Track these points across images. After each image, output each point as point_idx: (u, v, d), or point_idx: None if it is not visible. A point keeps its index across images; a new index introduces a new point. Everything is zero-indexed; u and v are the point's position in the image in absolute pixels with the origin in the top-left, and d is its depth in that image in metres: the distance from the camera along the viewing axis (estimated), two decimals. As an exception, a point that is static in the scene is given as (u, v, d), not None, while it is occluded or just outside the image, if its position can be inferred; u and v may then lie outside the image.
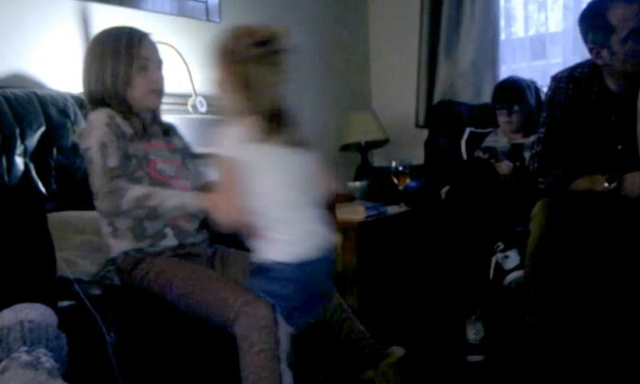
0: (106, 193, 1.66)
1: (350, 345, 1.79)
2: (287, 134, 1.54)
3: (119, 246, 1.77)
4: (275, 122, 1.52)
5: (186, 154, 1.94)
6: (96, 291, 1.64)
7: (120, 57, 1.77)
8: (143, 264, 1.73)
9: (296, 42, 1.57)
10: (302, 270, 1.52)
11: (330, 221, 1.64)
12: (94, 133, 1.72)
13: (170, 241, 1.77)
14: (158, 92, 1.84)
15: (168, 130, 1.92)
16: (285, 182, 1.54)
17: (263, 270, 1.55)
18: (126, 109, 1.78)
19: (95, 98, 1.80)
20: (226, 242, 1.92)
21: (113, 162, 1.69)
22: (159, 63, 1.86)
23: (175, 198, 1.66)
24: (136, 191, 1.65)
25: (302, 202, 1.55)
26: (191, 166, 1.91)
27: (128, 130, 1.76)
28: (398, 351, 1.78)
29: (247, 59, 1.49)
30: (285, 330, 1.56)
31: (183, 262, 1.74)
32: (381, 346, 1.79)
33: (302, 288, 1.54)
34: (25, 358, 1.06)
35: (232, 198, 1.53)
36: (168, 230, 1.77)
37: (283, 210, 1.53)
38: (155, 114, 1.89)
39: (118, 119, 1.75)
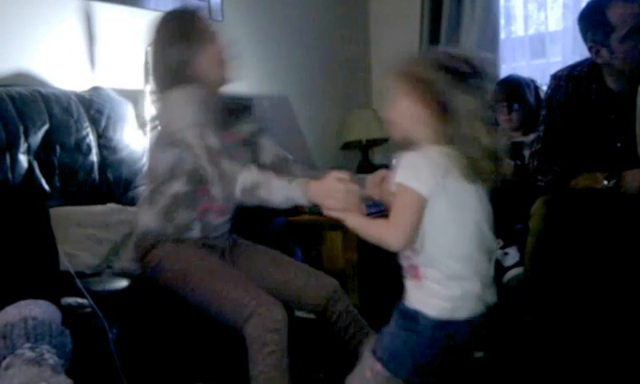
0: (218, 179, 1.60)
1: (355, 345, 1.77)
2: (489, 171, 1.33)
3: (147, 221, 1.76)
4: (483, 160, 1.31)
5: (259, 136, 1.90)
6: (99, 287, 1.66)
7: (186, 35, 1.74)
8: (160, 248, 1.72)
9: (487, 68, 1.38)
10: (446, 329, 1.33)
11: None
12: (184, 112, 1.66)
13: (195, 233, 1.77)
14: (227, 62, 1.79)
15: (236, 111, 1.86)
16: (466, 231, 1.34)
17: (406, 316, 1.36)
18: (199, 89, 1.71)
19: (164, 80, 1.76)
20: (245, 233, 1.92)
21: (215, 142, 1.61)
22: (219, 34, 1.81)
23: (283, 191, 1.55)
24: (246, 179, 1.56)
25: (474, 254, 1.35)
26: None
27: (213, 107, 1.71)
28: None
29: (445, 87, 1.30)
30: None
31: (201, 252, 1.73)
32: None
33: (437, 348, 1.35)
34: (29, 354, 1.06)
35: (336, 194, 1.44)
36: (196, 224, 1.76)
37: (454, 262, 1.32)
38: (224, 98, 1.83)
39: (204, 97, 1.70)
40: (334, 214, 1.45)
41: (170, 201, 1.74)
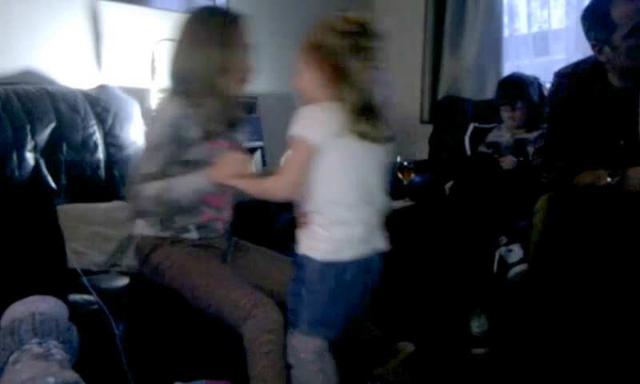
0: (130, 198, 1.68)
1: (359, 342, 1.78)
2: (371, 129, 1.44)
3: (143, 227, 1.78)
4: (363, 116, 1.42)
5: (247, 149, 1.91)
6: (105, 284, 1.67)
7: (221, 41, 1.69)
8: (160, 250, 1.74)
9: (386, 28, 1.51)
10: (331, 269, 1.46)
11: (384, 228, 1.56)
12: (156, 128, 1.70)
13: (192, 235, 1.79)
14: (245, 80, 1.78)
15: (234, 123, 1.86)
16: (348, 181, 1.46)
17: (297, 266, 1.51)
18: (211, 98, 1.70)
19: (179, 82, 1.72)
20: (245, 235, 1.94)
21: (152, 167, 1.66)
22: (251, 48, 1.77)
23: (190, 184, 1.63)
24: (151, 190, 1.63)
25: (358, 203, 1.47)
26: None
27: (193, 133, 1.70)
28: (407, 347, 1.77)
29: (339, 51, 1.40)
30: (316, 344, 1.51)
31: (199, 255, 1.74)
32: (390, 342, 1.78)
33: (335, 290, 1.47)
34: (36, 349, 1.07)
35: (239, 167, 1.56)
36: (192, 226, 1.78)
37: (337, 207, 1.46)
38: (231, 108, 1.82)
39: (186, 119, 1.68)
40: (228, 181, 1.57)
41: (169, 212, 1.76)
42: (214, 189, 1.66)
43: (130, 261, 1.92)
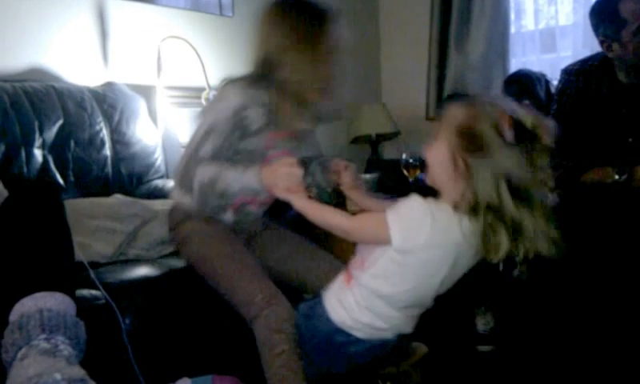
0: (179, 176, 1.63)
1: None
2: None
3: (180, 195, 1.71)
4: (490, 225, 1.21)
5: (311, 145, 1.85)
6: (113, 279, 1.67)
7: (312, 40, 1.61)
8: (191, 223, 1.72)
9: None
10: (341, 337, 1.40)
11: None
12: (214, 112, 1.64)
13: (228, 218, 1.74)
14: (325, 90, 1.68)
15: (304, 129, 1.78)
16: (415, 287, 1.33)
17: (323, 320, 1.42)
18: (281, 91, 1.63)
19: (259, 66, 1.65)
20: (277, 217, 1.91)
21: (208, 150, 1.59)
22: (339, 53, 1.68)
23: (241, 180, 1.56)
24: (203, 175, 1.57)
25: (407, 305, 1.37)
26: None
27: (255, 123, 1.64)
28: (421, 348, 1.76)
29: (489, 153, 1.18)
30: None
31: (227, 237, 1.71)
32: (403, 342, 1.77)
33: (334, 355, 1.44)
34: (44, 345, 1.07)
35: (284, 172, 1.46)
36: (230, 211, 1.73)
37: (382, 304, 1.35)
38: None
39: (251, 109, 1.62)
40: (282, 195, 1.48)
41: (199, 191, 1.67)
42: (264, 194, 1.60)
43: (137, 251, 1.93)
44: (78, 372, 1.06)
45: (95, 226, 1.89)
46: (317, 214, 1.41)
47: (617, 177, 2.13)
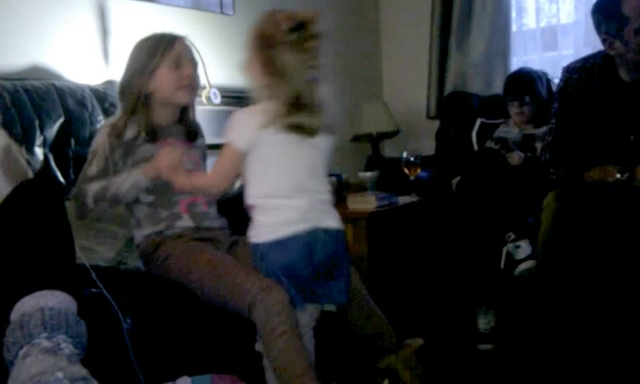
0: (73, 197, 1.80)
1: (369, 334, 1.78)
2: (305, 121, 1.52)
3: (140, 233, 1.85)
4: (295, 109, 1.50)
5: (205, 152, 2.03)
6: (113, 278, 1.67)
7: (153, 53, 1.84)
8: (164, 247, 1.77)
9: (326, 27, 1.54)
10: (277, 248, 1.55)
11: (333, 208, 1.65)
12: (96, 137, 1.88)
13: (186, 222, 1.84)
14: (189, 87, 1.89)
15: (193, 133, 1.98)
16: (278, 175, 1.56)
17: (258, 253, 1.59)
18: (146, 104, 1.85)
19: (122, 92, 1.88)
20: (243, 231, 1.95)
21: (93, 170, 1.80)
22: (193, 62, 1.91)
23: (128, 180, 1.76)
24: (93, 187, 1.77)
25: (291, 194, 1.56)
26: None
27: (131, 135, 1.83)
28: (417, 341, 1.77)
29: (279, 44, 1.48)
30: (308, 312, 1.61)
31: (203, 247, 1.77)
32: (398, 337, 1.78)
33: (301, 261, 1.56)
34: (45, 344, 1.07)
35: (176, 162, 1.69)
36: (184, 215, 1.84)
37: (270, 199, 1.56)
38: (184, 113, 1.95)
39: (125, 126, 1.83)
40: (163, 176, 1.70)
41: (148, 208, 1.84)
42: (150, 184, 1.77)
43: (137, 260, 1.93)
44: (80, 371, 1.06)
45: (97, 229, 1.90)
46: (187, 183, 1.70)
47: (618, 175, 2.13)
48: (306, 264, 1.57)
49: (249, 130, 1.52)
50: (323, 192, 1.62)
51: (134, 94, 1.84)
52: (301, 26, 1.49)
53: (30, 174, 1.41)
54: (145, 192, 1.82)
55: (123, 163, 1.83)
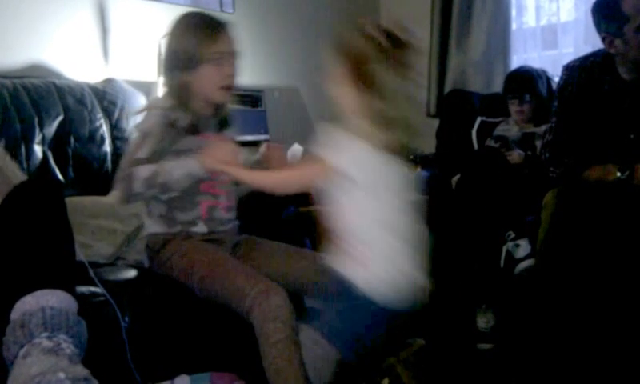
0: (119, 180, 1.70)
1: None
2: (404, 139, 1.41)
3: (152, 226, 1.81)
4: (392, 126, 1.38)
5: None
6: (111, 276, 1.67)
7: (196, 44, 1.74)
8: (170, 245, 1.76)
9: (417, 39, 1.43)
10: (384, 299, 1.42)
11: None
12: (147, 118, 1.76)
13: (201, 228, 1.81)
14: (228, 88, 1.80)
15: (225, 123, 1.91)
16: (387, 202, 1.44)
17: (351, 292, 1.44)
18: (185, 98, 1.76)
19: (167, 78, 1.80)
20: (255, 231, 1.95)
21: (144, 152, 1.70)
22: (234, 56, 1.80)
23: (181, 168, 1.68)
24: (144, 172, 1.67)
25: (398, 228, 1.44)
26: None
27: (182, 123, 1.75)
28: (417, 341, 1.76)
29: (377, 61, 1.36)
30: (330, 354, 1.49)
31: (207, 247, 1.76)
32: (399, 337, 1.79)
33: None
34: (46, 343, 1.07)
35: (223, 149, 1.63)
36: (200, 220, 1.81)
37: (379, 229, 1.42)
38: (219, 107, 1.87)
39: (177, 111, 1.75)
40: (220, 168, 1.64)
41: (166, 207, 1.79)
42: (206, 174, 1.71)
43: (136, 254, 1.93)
44: (82, 371, 1.05)
45: (96, 225, 1.89)
46: (247, 178, 1.62)
47: (618, 174, 2.13)
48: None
49: (352, 153, 1.39)
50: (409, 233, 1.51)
51: (181, 85, 1.75)
52: (398, 41, 1.38)
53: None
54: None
55: (167, 151, 1.75)
